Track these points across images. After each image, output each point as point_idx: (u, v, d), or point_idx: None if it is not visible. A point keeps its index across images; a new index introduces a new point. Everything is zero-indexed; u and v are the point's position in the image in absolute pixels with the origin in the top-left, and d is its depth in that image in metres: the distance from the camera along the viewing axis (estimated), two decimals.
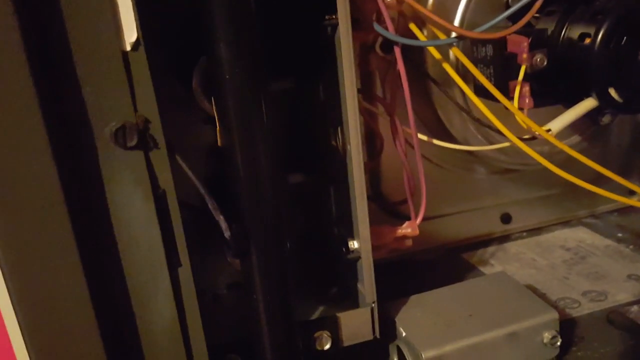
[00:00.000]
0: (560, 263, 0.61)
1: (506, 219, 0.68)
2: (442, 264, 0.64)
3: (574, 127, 0.61)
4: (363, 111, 0.54)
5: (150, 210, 0.32)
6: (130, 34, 0.31)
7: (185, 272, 0.34)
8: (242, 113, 0.34)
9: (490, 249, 0.66)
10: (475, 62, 0.52)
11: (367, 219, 0.42)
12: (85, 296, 0.31)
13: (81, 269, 0.31)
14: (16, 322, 0.31)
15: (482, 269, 0.61)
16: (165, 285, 0.34)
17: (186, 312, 0.35)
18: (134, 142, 0.31)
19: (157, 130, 0.32)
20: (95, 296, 0.31)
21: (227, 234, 0.34)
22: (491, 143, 0.56)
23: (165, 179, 0.33)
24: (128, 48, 0.31)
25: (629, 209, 0.71)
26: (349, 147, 0.41)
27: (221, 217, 0.33)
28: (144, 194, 0.32)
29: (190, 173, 0.33)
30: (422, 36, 0.43)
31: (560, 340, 0.44)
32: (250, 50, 0.34)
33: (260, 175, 0.35)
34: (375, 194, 0.63)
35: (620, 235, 0.66)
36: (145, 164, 0.32)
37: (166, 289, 0.34)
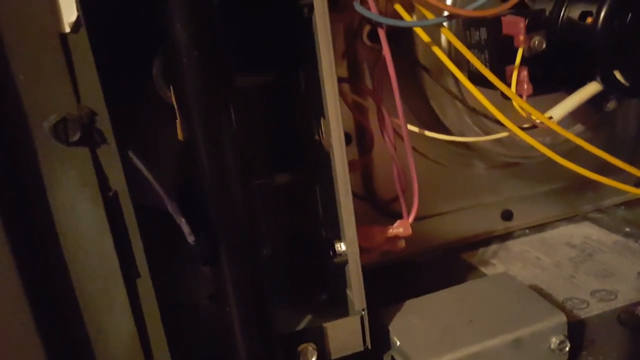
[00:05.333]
0: (566, 261, 0.58)
1: (507, 216, 0.65)
2: (441, 265, 0.61)
3: (576, 115, 0.57)
4: (351, 105, 0.51)
5: (100, 215, 0.28)
6: (69, 13, 0.27)
7: (144, 284, 0.30)
8: (202, 100, 0.30)
9: (492, 248, 0.62)
10: (468, 48, 0.48)
11: (353, 218, 0.38)
12: (28, 317, 0.27)
13: (21, 285, 0.27)
14: None
15: (483, 269, 0.59)
16: (121, 299, 0.30)
17: (148, 328, 0.31)
18: (77, 137, 0.27)
19: (104, 124, 0.28)
20: (40, 316, 0.28)
21: (190, 238, 0.30)
22: (489, 135, 0.53)
23: (117, 179, 0.29)
24: (67, 30, 0.27)
25: (637, 202, 0.67)
26: (330, 138, 0.37)
27: (183, 220, 0.29)
28: (92, 196, 0.28)
29: (146, 172, 0.29)
30: (408, 17, 0.39)
31: (568, 345, 0.41)
32: (209, 31, 0.30)
33: (227, 169, 0.31)
34: (369, 193, 0.60)
35: (628, 229, 0.62)
36: (91, 162, 0.28)
37: (123, 303, 0.30)
